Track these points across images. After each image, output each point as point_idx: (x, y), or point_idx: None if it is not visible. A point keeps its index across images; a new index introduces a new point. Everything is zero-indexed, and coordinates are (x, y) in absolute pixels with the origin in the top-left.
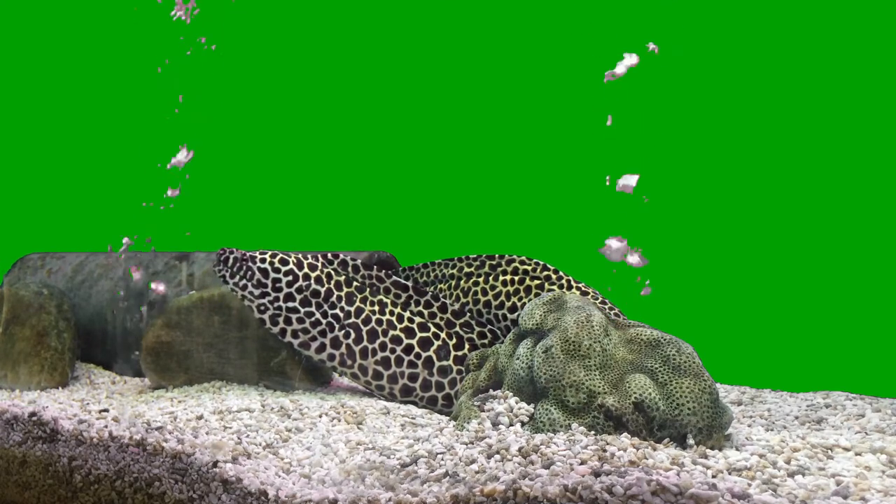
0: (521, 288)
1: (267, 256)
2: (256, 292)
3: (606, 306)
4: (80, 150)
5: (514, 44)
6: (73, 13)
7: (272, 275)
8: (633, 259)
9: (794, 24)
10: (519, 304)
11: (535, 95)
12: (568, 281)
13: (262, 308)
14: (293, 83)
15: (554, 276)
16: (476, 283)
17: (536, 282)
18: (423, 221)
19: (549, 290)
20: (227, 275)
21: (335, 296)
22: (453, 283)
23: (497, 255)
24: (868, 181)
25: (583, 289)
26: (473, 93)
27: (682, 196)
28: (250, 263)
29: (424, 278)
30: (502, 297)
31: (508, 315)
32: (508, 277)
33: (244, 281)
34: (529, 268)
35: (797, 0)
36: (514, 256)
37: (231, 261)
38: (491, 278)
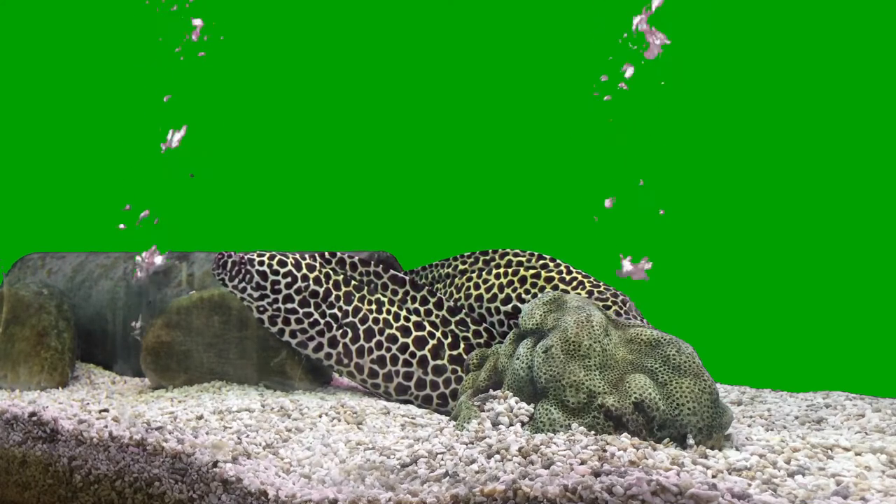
0: (516, 279)
1: (265, 259)
2: (255, 294)
3: (609, 292)
4: (81, 150)
5: (511, 44)
6: (73, 13)
7: (271, 277)
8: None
9: (794, 25)
10: (513, 294)
11: (534, 96)
12: (567, 268)
13: (262, 309)
14: (293, 83)
15: (551, 265)
16: (469, 279)
17: (532, 271)
18: (423, 221)
19: (547, 279)
20: (227, 278)
21: (333, 295)
22: (449, 281)
23: (491, 250)
24: (868, 182)
25: (582, 276)
26: (473, 93)
27: (682, 196)
28: (248, 266)
29: (423, 281)
30: (495, 290)
31: (501, 307)
32: (502, 270)
33: (243, 283)
34: (524, 259)
35: (798, 1)
36: (508, 250)
37: (229, 264)
38: (484, 272)
